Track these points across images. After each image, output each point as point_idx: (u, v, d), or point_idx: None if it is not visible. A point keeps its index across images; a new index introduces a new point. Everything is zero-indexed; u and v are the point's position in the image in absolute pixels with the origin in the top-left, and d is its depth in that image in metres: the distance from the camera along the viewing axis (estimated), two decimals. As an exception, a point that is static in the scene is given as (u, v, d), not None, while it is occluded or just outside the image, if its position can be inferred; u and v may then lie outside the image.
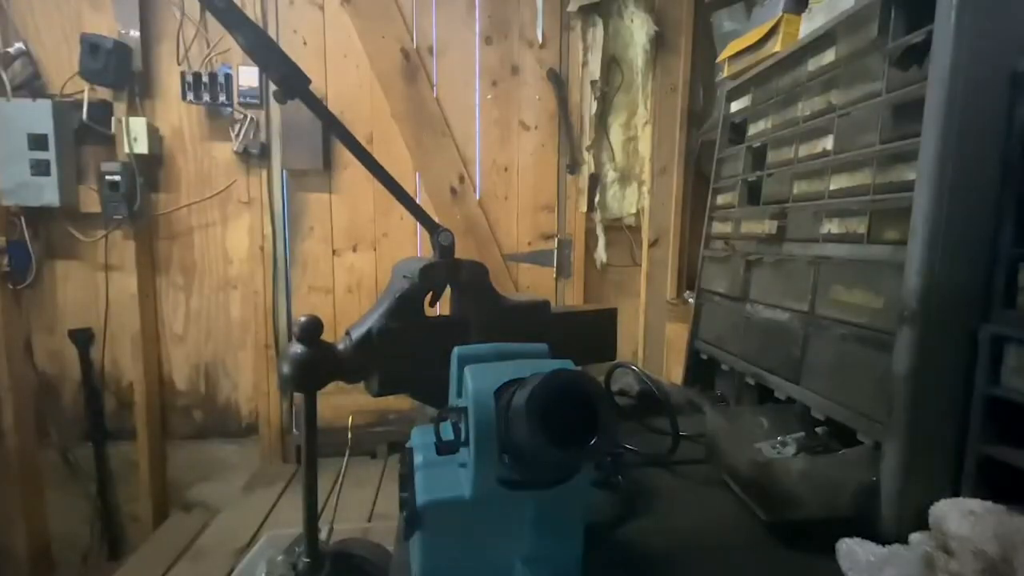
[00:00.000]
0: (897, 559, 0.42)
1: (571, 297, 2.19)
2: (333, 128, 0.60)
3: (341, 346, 0.58)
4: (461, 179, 2.11)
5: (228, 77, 1.95)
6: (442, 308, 0.67)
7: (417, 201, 0.66)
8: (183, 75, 1.92)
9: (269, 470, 2.10)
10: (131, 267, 2.00)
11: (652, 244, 2.12)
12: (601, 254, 2.18)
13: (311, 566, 0.59)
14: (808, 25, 0.99)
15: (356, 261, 2.11)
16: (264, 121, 2.02)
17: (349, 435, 1.70)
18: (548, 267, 2.20)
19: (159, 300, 2.10)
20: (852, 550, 0.44)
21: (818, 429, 0.58)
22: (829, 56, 0.64)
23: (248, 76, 1.95)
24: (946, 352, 0.46)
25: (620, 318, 0.82)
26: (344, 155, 2.08)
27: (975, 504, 0.41)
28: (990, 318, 0.45)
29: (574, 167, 2.13)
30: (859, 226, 0.56)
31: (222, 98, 1.95)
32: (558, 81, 2.09)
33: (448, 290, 0.64)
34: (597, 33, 2.05)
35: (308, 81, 0.55)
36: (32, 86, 1.94)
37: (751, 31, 1.20)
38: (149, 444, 2.06)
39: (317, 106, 0.58)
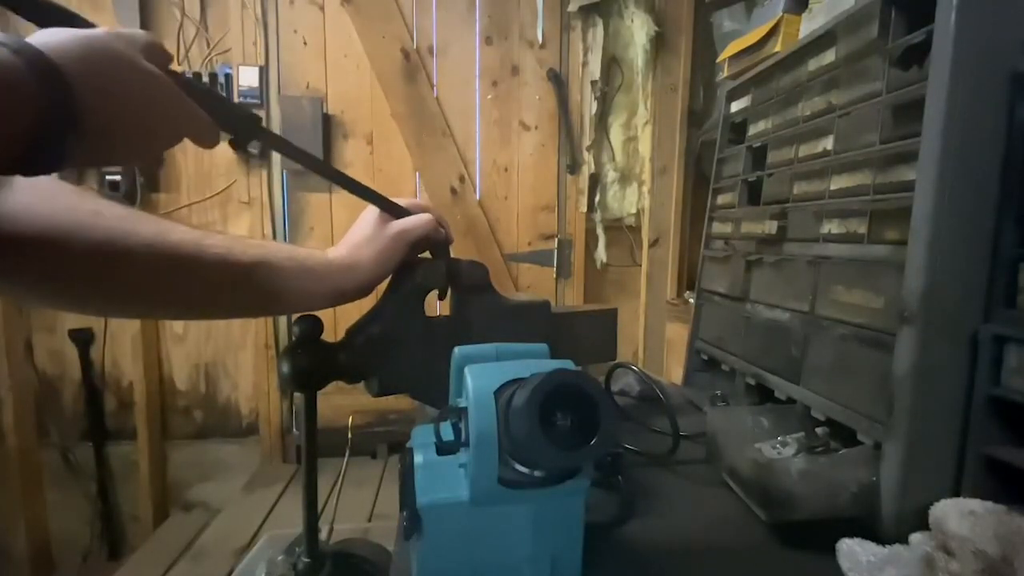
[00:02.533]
0: (897, 559, 0.42)
1: (571, 297, 2.19)
2: (298, 155, 0.57)
3: (341, 346, 0.58)
4: (461, 179, 2.11)
5: (228, 77, 1.95)
6: (442, 308, 0.67)
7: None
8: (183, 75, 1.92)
9: (269, 470, 2.10)
10: (131, 267, 2.00)
11: (652, 244, 2.12)
12: (601, 254, 2.18)
13: (311, 566, 0.59)
14: (808, 25, 0.99)
15: (356, 261, 2.11)
16: (264, 121, 2.02)
17: (349, 435, 1.69)
18: (548, 267, 2.20)
19: (159, 300, 2.09)
20: (852, 550, 0.44)
21: (818, 429, 0.58)
22: (829, 56, 0.64)
23: (248, 76, 1.96)
24: (946, 352, 0.46)
25: (620, 318, 0.81)
26: (344, 155, 2.08)
27: (975, 504, 0.41)
28: (990, 318, 0.45)
29: (574, 167, 2.13)
30: (859, 226, 0.56)
31: (222, 98, 1.95)
32: (558, 81, 2.10)
33: (448, 290, 0.64)
34: (597, 33, 2.05)
35: (258, 119, 0.50)
36: (32, 86, 1.94)
37: (751, 31, 1.20)
38: (149, 444, 2.06)
39: (276, 141, 0.55)
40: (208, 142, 0.46)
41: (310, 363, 0.55)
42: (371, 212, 0.62)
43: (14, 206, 0.44)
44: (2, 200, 0.44)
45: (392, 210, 0.61)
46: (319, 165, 0.58)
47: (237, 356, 2.16)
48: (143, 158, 0.42)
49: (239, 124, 0.48)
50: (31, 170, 0.34)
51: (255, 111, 1.98)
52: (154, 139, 0.42)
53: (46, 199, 0.46)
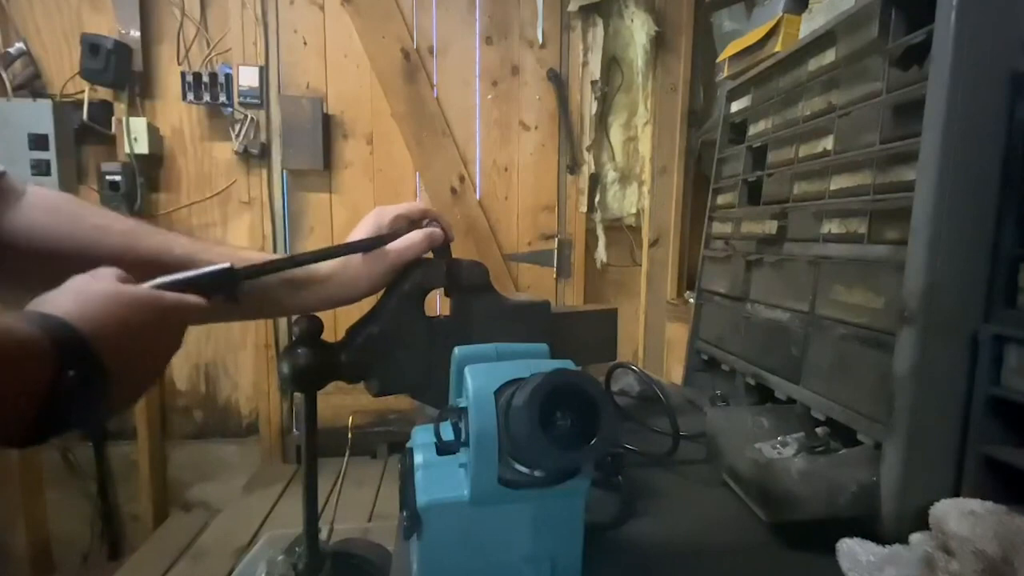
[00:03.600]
0: (897, 559, 0.42)
1: (571, 297, 2.19)
2: (285, 265, 0.57)
3: (341, 346, 0.58)
4: (461, 179, 2.11)
5: (228, 77, 1.95)
6: (442, 308, 0.67)
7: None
8: (183, 75, 1.92)
9: (269, 470, 2.10)
10: (131, 267, 1.99)
11: (652, 244, 2.12)
12: (601, 254, 2.18)
13: (311, 566, 0.59)
14: (808, 25, 0.99)
15: (356, 261, 2.11)
16: (264, 121, 2.02)
17: (349, 435, 1.69)
18: (548, 267, 2.20)
19: (159, 300, 2.09)
20: (852, 550, 0.44)
21: (818, 429, 0.58)
22: (829, 56, 0.64)
23: (248, 76, 1.95)
24: (946, 352, 0.46)
25: (620, 318, 0.81)
26: (344, 155, 2.08)
27: (975, 504, 0.41)
28: (990, 318, 0.45)
29: (574, 167, 2.13)
30: (859, 226, 0.56)
31: (222, 98, 1.95)
32: (558, 81, 2.09)
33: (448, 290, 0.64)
34: (597, 33, 2.05)
35: (233, 270, 0.50)
36: (32, 86, 1.94)
37: (751, 31, 1.20)
38: (149, 444, 2.06)
39: (259, 270, 0.55)
40: (205, 320, 0.47)
41: (310, 363, 0.55)
42: (365, 226, 0.62)
43: (21, 222, 0.45)
44: (10, 217, 0.45)
45: (385, 243, 0.60)
46: (306, 256, 0.58)
47: (237, 356, 2.15)
48: (160, 371, 0.43)
49: (224, 285, 0.49)
50: (46, 437, 0.34)
51: (252, 112, 1.98)
52: (164, 361, 0.43)
53: (51, 214, 0.47)
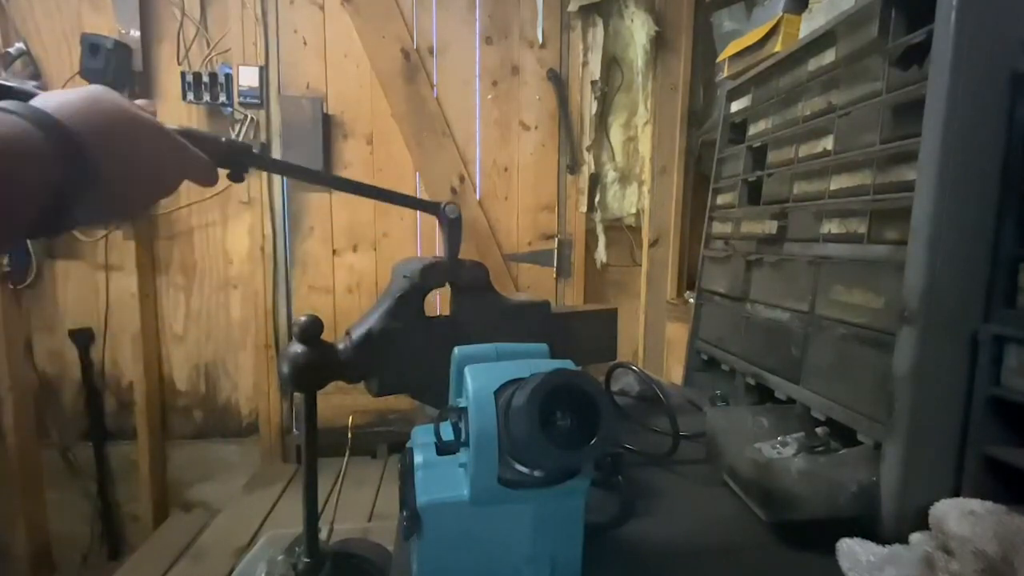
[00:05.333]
0: (897, 559, 0.42)
1: (571, 297, 2.19)
2: (297, 173, 0.58)
3: (341, 346, 0.58)
4: (461, 179, 2.11)
5: (228, 77, 1.95)
6: (442, 308, 0.67)
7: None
8: (183, 75, 1.92)
9: (269, 470, 2.10)
10: (131, 267, 2.00)
11: (652, 244, 2.12)
12: (601, 254, 2.18)
13: (311, 566, 0.59)
14: (808, 25, 0.99)
15: (356, 261, 2.11)
16: (264, 121, 2.02)
17: (349, 435, 1.69)
18: (548, 267, 2.20)
19: (159, 300, 2.10)
20: (852, 550, 0.44)
21: (818, 429, 0.58)
22: (829, 56, 0.64)
23: (248, 76, 1.95)
24: (946, 352, 0.46)
25: (620, 318, 0.82)
26: (344, 155, 2.08)
27: (975, 504, 0.41)
28: (990, 318, 0.45)
29: (574, 167, 2.13)
30: (859, 226, 0.56)
31: (222, 98, 1.95)
32: (558, 81, 2.09)
33: (448, 290, 0.64)
34: (597, 33, 2.05)
35: (249, 147, 0.52)
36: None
37: (751, 31, 1.20)
38: (149, 444, 2.06)
39: (272, 164, 0.55)
40: (208, 181, 0.48)
41: (310, 363, 0.55)
42: None
43: None
44: None
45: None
46: (322, 177, 0.59)
47: (237, 356, 2.15)
48: (149, 204, 0.44)
49: (234, 157, 0.50)
50: (49, 231, 0.36)
51: (253, 112, 1.98)
52: (160, 186, 0.43)
53: None
